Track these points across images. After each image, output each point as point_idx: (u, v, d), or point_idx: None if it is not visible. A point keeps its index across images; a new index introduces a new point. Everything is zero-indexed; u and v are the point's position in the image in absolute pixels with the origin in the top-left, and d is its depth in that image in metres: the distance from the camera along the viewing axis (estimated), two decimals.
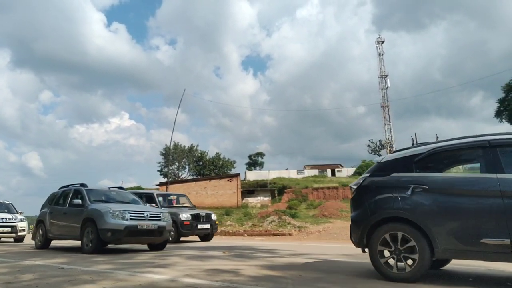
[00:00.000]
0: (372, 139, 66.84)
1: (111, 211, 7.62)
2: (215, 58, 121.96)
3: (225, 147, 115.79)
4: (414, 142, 37.88)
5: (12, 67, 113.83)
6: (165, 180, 39.48)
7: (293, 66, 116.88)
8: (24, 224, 13.49)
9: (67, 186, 9.85)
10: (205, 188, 35.89)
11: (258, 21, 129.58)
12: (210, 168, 53.16)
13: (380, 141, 66.11)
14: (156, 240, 8.35)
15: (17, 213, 14.08)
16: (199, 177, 46.27)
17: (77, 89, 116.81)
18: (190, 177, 49.06)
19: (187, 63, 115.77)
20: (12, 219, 13.03)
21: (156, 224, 7.99)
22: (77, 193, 8.85)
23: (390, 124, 65.74)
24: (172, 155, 49.62)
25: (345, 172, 54.28)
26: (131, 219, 7.68)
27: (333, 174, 54.38)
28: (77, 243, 8.60)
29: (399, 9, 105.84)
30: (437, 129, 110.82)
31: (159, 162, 54.66)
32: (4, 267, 5.41)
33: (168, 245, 10.45)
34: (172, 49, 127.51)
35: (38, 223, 9.85)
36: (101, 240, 7.58)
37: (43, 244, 9.44)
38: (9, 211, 13.89)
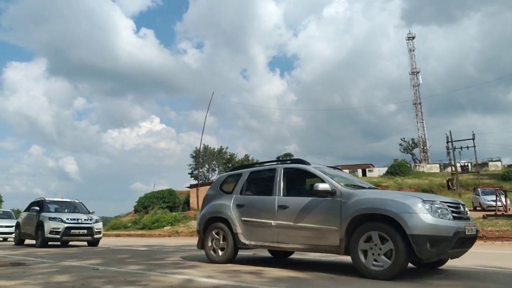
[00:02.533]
0: (404, 138, 65.12)
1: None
2: (241, 60, 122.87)
3: (253, 149, 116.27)
4: (449, 140, 36.57)
5: (48, 75, 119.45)
6: (195, 182, 40.07)
7: (321, 65, 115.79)
8: (100, 226, 11.96)
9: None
10: None
11: (284, 21, 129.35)
12: None
13: (412, 139, 64.29)
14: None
15: (89, 212, 12.68)
16: None
17: (108, 95, 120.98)
18: None
19: (214, 66, 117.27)
20: (87, 219, 11.58)
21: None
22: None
23: (423, 122, 63.85)
24: (202, 158, 50.29)
25: (377, 171, 53.07)
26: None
27: (364, 174, 53.29)
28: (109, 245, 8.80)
29: (429, 2, 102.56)
30: (473, 126, 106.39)
31: (190, 165, 55.61)
32: (43, 267, 5.64)
33: None
34: (199, 53, 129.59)
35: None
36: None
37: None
38: (80, 211, 12.54)
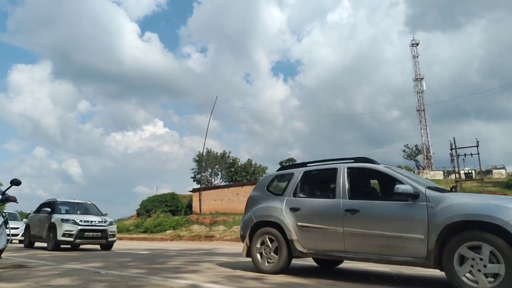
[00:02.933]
0: (407, 144, 64.80)
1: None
2: (245, 65, 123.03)
3: (256, 153, 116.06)
4: (453, 147, 36.40)
5: (53, 78, 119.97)
6: (198, 186, 40.07)
7: (324, 71, 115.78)
8: (114, 228, 11.60)
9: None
10: (237, 194, 36.02)
11: (288, 26, 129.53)
12: (242, 175, 53.39)
13: (416, 146, 64.01)
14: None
15: (102, 214, 12.18)
16: (231, 183, 46.59)
17: (112, 98, 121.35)
18: (223, 184, 49.49)
19: (218, 70, 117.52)
20: (101, 222, 11.14)
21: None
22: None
23: (426, 128, 63.64)
24: (205, 162, 50.31)
25: None
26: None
27: None
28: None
29: (433, 8, 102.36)
30: (477, 133, 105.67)
31: (192, 169, 55.53)
32: (45, 270, 5.65)
33: (201, 251, 10.58)
34: (203, 57, 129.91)
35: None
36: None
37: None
38: (92, 213, 11.99)
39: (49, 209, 11.37)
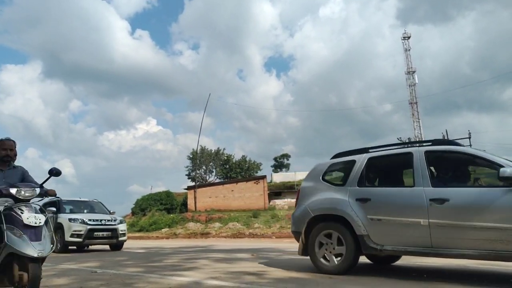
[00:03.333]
0: (400, 137, 65.02)
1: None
2: (237, 61, 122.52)
3: (250, 150, 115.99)
4: (445, 139, 36.71)
5: (43, 78, 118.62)
6: (193, 184, 40.01)
7: (317, 66, 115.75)
8: (124, 227, 10.94)
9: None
10: (232, 191, 36.04)
11: (281, 21, 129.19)
12: (236, 171, 53.35)
13: (409, 138, 64.40)
14: None
15: (110, 213, 11.58)
16: (226, 180, 46.55)
17: (104, 97, 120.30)
18: (217, 181, 49.46)
19: (210, 67, 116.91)
20: (111, 220, 10.52)
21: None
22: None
23: (419, 121, 63.97)
24: (199, 159, 50.20)
25: None
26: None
27: None
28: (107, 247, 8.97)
29: (424, 1, 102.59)
30: (469, 125, 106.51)
31: (187, 166, 55.36)
32: None
33: (197, 248, 10.59)
34: (195, 54, 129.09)
35: None
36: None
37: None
38: (99, 212, 11.30)
39: (54, 209, 10.40)
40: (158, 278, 4.54)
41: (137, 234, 25.02)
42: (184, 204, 36.62)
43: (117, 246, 10.76)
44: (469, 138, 35.94)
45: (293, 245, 11.82)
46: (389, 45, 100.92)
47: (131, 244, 14.87)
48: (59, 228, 9.90)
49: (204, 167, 54.89)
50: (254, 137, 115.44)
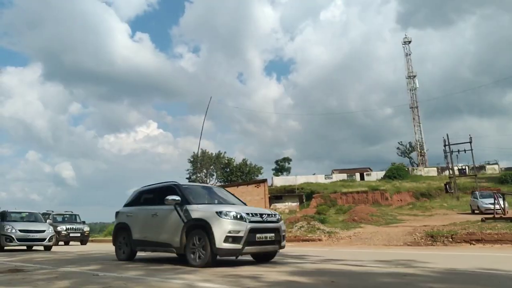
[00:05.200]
0: (401, 141, 65.33)
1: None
2: (238, 64, 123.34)
3: (251, 153, 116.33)
4: (446, 143, 36.67)
5: (43, 80, 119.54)
6: None
7: (317, 69, 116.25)
8: (284, 227, 7.21)
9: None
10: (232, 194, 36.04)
11: (281, 25, 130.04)
12: (237, 175, 53.42)
13: (410, 143, 64.48)
14: None
15: (244, 204, 8.86)
16: (226, 183, 46.51)
17: (104, 99, 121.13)
18: (218, 184, 49.45)
19: (211, 70, 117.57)
20: (271, 215, 6.71)
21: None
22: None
23: (420, 125, 64.07)
24: (200, 163, 50.23)
25: (375, 175, 53.13)
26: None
27: (362, 178, 53.33)
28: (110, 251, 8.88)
29: (424, 5, 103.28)
30: (470, 129, 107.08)
31: (187, 170, 55.49)
32: (42, 273, 5.61)
33: None
34: (195, 57, 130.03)
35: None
36: None
37: None
38: (231, 202, 7.67)
39: (177, 198, 6.66)
40: (160, 281, 4.54)
41: None
42: None
43: (269, 256, 6.98)
44: (470, 142, 35.98)
45: (294, 249, 11.79)
46: (389, 48, 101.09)
47: None
48: (196, 227, 6.31)
49: (204, 171, 54.93)
50: (254, 140, 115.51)
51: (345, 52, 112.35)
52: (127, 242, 7.77)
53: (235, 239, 5.93)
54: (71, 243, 19.97)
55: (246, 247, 6.02)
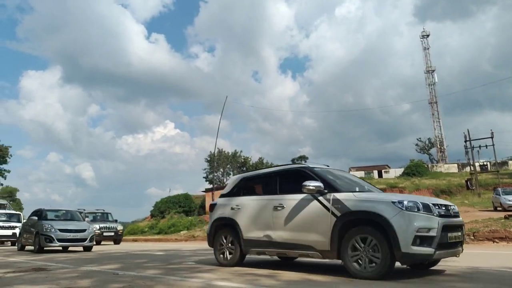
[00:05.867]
0: (420, 138, 64.14)
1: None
2: (253, 63, 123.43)
3: (267, 152, 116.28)
4: (467, 139, 35.82)
5: (62, 83, 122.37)
6: (210, 186, 40.21)
7: (333, 66, 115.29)
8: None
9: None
10: None
11: (296, 22, 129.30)
12: None
13: (429, 139, 63.26)
14: None
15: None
16: None
17: (121, 101, 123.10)
18: None
19: (226, 69, 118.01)
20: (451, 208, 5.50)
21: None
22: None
23: (439, 121, 62.77)
24: (217, 162, 50.50)
25: (393, 172, 52.39)
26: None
27: (380, 175, 52.69)
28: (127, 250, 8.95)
29: None
30: (492, 124, 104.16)
31: (204, 169, 55.88)
32: (64, 272, 5.73)
33: None
34: (211, 56, 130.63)
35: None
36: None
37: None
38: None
39: (319, 184, 5.03)
40: (178, 280, 4.57)
41: (156, 237, 25.32)
42: (202, 206, 36.88)
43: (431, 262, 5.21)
44: (492, 137, 35.03)
45: None
46: (406, 43, 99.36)
47: (151, 247, 15.06)
48: (359, 224, 4.64)
49: (221, 170, 55.23)
50: (270, 139, 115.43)
51: (361, 47, 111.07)
52: (234, 242, 6.05)
53: (424, 240, 4.32)
54: (102, 242, 18.32)
55: (437, 251, 4.36)
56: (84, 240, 11.64)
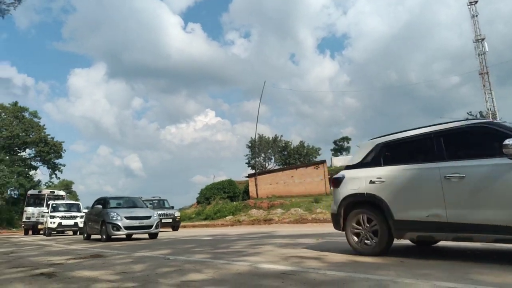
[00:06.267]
0: (470, 111, 60.49)
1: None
2: (290, 45, 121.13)
3: (308, 135, 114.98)
4: None
5: (107, 79, 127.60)
6: (253, 171, 40.63)
7: (373, 42, 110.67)
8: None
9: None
10: (292, 177, 36.08)
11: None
12: (295, 157, 53.27)
13: (480, 112, 59.41)
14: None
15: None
16: (285, 166, 46.68)
17: (163, 92, 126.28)
18: (277, 167, 49.76)
19: (263, 54, 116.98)
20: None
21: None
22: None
23: (491, 93, 58.68)
24: (258, 147, 50.79)
25: None
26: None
27: None
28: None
29: None
30: None
31: (246, 155, 56.38)
32: (119, 258, 6.05)
33: (261, 234, 10.77)
34: (247, 42, 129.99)
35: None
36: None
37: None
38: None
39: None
40: (226, 264, 4.68)
41: (203, 222, 26.07)
42: (246, 191, 37.38)
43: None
44: None
45: None
46: (452, 12, 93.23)
47: (198, 232, 15.53)
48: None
49: (263, 155, 55.47)
50: (310, 121, 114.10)
51: (403, 20, 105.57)
52: (378, 225, 4.81)
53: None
54: (160, 229, 17.39)
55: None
56: (150, 227, 11.33)
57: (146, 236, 12.15)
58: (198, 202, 37.74)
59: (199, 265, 4.66)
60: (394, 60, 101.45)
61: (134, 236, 12.29)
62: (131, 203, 12.95)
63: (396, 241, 5.05)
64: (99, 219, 11.66)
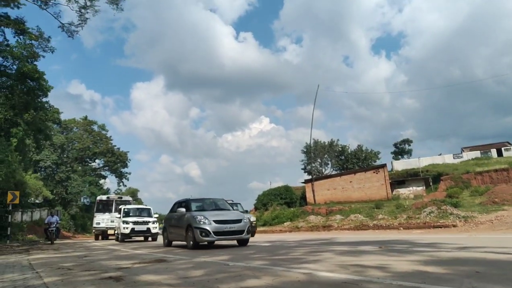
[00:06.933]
0: None
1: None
2: (343, 48, 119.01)
3: (365, 138, 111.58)
4: None
5: (166, 91, 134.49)
6: (309, 177, 40.12)
7: (432, 39, 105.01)
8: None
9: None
10: (350, 182, 35.09)
11: None
12: (352, 162, 51.79)
13: None
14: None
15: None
16: (343, 171, 45.54)
17: (218, 101, 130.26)
18: (334, 172, 48.70)
19: (315, 58, 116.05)
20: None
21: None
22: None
23: None
24: (313, 152, 50.15)
25: None
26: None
27: (499, 154, 46.55)
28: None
29: None
30: None
31: (302, 160, 55.89)
32: (181, 263, 6.23)
33: (321, 241, 10.54)
34: (299, 48, 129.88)
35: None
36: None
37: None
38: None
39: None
40: (285, 271, 4.61)
41: (262, 228, 26.15)
42: (303, 197, 37.03)
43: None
44: None
45: (424, 236, 10.89)
46: None
47: (257, 238, 15.59)
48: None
49: (319, 160, 54.65)
50: (367, 124, 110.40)
51: (465, 14, 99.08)
52: None
53: None
54: None
55: None
56: (241, 232, 9.91)
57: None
58: (256, 208, 38.03)
59: (258, 272, 4.64)
60: (456, 56, 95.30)
61: (225, 242, 11.13)
62: (213, 205, 11.41)
63: (467, 250, 4.65)
64: (183, 224, 10.45)
